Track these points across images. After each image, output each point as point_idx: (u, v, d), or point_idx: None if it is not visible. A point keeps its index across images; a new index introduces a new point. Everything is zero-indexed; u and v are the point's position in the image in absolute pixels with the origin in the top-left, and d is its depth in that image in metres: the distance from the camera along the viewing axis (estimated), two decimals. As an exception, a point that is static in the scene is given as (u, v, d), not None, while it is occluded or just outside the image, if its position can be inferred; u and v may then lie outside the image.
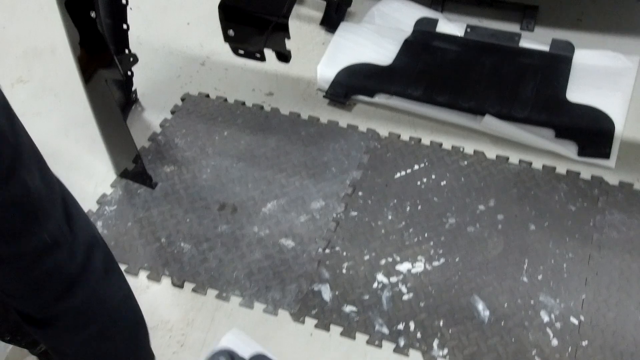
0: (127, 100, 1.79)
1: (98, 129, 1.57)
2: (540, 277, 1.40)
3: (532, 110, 1.70)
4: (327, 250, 1.46)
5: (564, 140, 1.65)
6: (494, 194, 1.57)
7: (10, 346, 1.26)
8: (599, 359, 1.26)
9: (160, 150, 1.71)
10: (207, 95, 1.86)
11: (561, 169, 1.61)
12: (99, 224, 1.53)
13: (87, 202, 1.57)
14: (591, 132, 1.65)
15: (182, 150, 1.70)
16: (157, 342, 1.31)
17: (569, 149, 1.63)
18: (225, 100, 1.84)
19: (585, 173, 1.59)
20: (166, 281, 1.42)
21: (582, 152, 1.62)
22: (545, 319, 1.32)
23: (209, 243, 1.48)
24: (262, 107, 1.82)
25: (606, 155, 1.60)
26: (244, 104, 1.83)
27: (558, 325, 1.31)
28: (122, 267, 1.44)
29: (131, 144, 1.58)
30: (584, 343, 1.28)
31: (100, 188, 1.61)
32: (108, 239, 1.50)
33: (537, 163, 1.62)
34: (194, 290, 1.40)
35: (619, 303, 1.34)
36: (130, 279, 1.41)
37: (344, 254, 1.46)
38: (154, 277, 1.43)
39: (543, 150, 1.65)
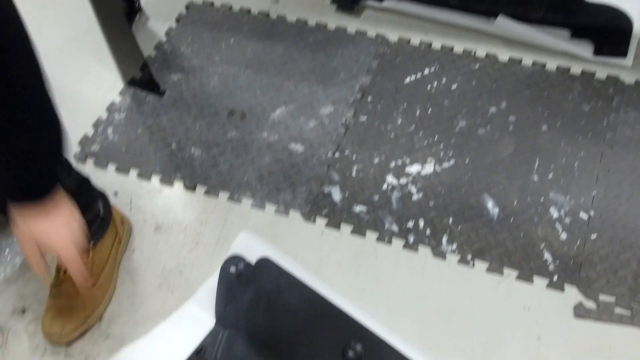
0: (131, 9, 1.75)
1: (104, 37, 1.55)
2: (550, 175, 1.39)
3: (547, 10, 1.64)
4: (337, 154, 1.46)
5: (580, 40, 1.60)
6: (505, 96, 1.54)
7: (19, 261, 1.30)
8: (608, 251, 1.27)
9: (166, 58, 1.68)
10: (212, 4, 1.81)
11: (576, 69, 1.57)
12: (109, 131, 1.53)
13: (96, 109, 1.57)
14: (608, 30, 1.59)
15: (188, 58, 1.68)
16: (172, 240, 1.34)
17: (584, 49, 1.58)
18: (230, 8, 1.80)
19: (601, 73, 1.55)
20: (178, 185, 1.43)
21: (598, 51, 1.57)
22: (555, 214, 1.33)
23: (219, 148, 1.49)
24: (268, 15, 1.77)
25: (623, 53, 1.56)
26: (249, 11, 1.79)
27: (567, 220, 1.32)
28: (135, 171, 1.46)
29: (138, 51, 1.56)
30: (593, 236, 1.29)
31: (109, 96, 1.60)
32: (119, 145, 1.50)
33: (551, 64, 1.58)
34: (206, 192, 1.42)
35: (630, 198, 1.34)
36: (143, 183, 1.45)
37: (354, 157, 1.46)
38: (167, 180, 1.44)
39: (558, 51, 1.61)
